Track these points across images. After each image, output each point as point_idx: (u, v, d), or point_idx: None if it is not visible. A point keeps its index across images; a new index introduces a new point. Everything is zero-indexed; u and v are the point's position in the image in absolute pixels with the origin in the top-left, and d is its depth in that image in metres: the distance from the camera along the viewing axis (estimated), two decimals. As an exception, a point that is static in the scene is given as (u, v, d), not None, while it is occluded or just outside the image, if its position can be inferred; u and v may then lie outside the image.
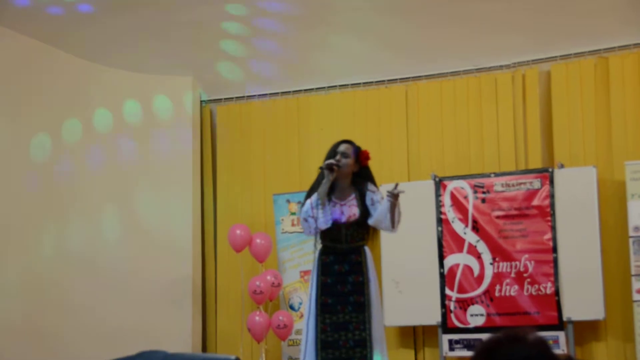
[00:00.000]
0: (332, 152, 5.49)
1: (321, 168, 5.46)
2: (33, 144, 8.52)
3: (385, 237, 7.84)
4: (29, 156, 8.52)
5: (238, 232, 8.19)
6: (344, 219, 5.41)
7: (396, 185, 5.28)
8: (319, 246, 5.51)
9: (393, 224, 5.34)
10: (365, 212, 5.42)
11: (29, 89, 8.53)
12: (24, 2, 7.81)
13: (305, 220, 5.43)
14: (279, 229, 8.34)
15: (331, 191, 5.46)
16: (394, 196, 5.20)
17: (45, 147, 8.59)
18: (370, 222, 5.44)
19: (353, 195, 5.45)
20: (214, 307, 8.78)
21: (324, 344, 5.35)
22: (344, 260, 5.41)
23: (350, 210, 5.41)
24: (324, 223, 5.39)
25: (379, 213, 5.35)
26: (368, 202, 5.43)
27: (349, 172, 5.48)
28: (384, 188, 7.81)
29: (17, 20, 8.12)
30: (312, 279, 5.52)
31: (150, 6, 7.80)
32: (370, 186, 5.47)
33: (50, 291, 8.38)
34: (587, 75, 7.85)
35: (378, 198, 5.43)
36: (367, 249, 5.48)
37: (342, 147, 5.50)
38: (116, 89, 8.84)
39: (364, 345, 5.28)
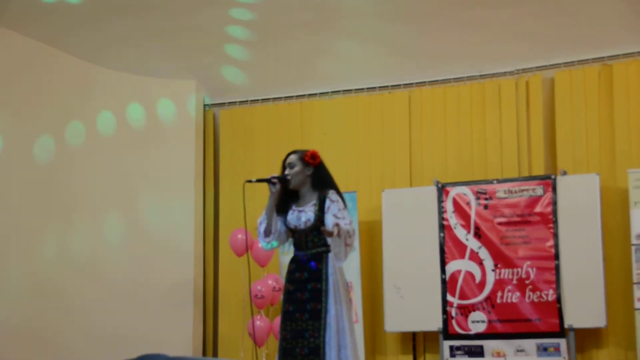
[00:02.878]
0: (282, 167, 5.48)
1: (249, 181, 5.47)
2: (37, 146, 8.53)
3: (387, 242, 7.87)
4: (33, 158, 8.53)
5: (240, 236, 8.18)
6: (301, 225, 5.38)
7: (335, 225, 5.16)
8: None
9: (342, 254, 5.27)
10: (321, 218, 5.31)
11: (31, 90, 8.55)
12: (27, 3, 7.79)
13: (258, 236, 5.52)
14: (281, 234, 8.32)
15: (295, 200, 5.46)
16: (326, 233, 5.16)
17: (49, 150, 8.60)
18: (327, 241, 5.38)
19: (313, 202, 5.40)
20: (215, 311, 8.78)
21: (284, 352, 5.35)
22: (304, 268, 5.38)
23: (306, 215, 5.37)
24: (267, 238, 5.46)
25: (333, 242, 5.27)
26: (325, 209, 5.38)
27: (302, 179, 5.44)
28: (386, 194, 7.94)
29: (19, 21, 8.12)
30: None
31: (154, 9, 7.80)
32: (332, 194, 5.36)
33: (51, 294, 8.39)
34: (591, 82, 7.84)
35: (335, 209, 5.30)
36: (330, 255, 5.33)
37: (288, 159, 5.46)
38: (120, 92, 8.85)
39: (317, 353, 5.24)
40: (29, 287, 8.34)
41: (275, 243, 5.54)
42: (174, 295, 8.49)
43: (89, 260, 8.54)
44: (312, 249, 5.35)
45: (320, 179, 5.44)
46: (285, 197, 5.45)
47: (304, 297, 5.32)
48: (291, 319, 5.36)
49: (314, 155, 5.44)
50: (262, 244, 5.59)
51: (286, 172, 5.41)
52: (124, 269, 8.53)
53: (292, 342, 5.33)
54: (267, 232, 5.47)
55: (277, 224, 5.45)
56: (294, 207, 5.41)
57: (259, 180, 5.43)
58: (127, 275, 8.52)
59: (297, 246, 5.44)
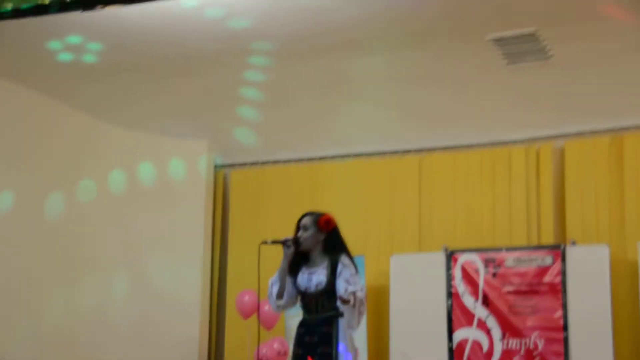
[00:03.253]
0: (296, 227, 5.46)
1: (264, 243, 5.46)
2: (47, 203, 8.53)
3: (394, 308, 7.82)
4: (43, 215, 8.52)
5: (246, 298, 8.15)
6: (312, 288, 5.34)
7: (353, 293, 5.19)
8: None
9: (355, 321, 5.24)
10: (333, 282, 5.24)
11: (41, 145, 8.54)
12: (36, 57, 7.83)
13: (269, 298, 5.46)
14: (288, 296, 8.28)
15: (305, 261, 5.43)
16: (343, 301, 5.14)
17: (59, 206, 8.60)
18: (339, 307, 5.35)
19: (324, 265, 5.37)
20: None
21: None
22: (314, 332, 5.31)
23: (318, 278, 5.33)
24: (279, 302, 5.41)
25: (345, 310, 5.25)
26: (337, 273, 5.33)
27: (315, 243, 5.39)
28: (395, 259, 7.91)
29: (26, 74, 8.14)
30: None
31: (169, 68, 7.88)
32: (344, 258, 5.31)
33: (58, 350, 8.33)
34: (601, 153, 7.85)
35: (347, 274, 5.25)
36: (341, 320, 5.25)
37: (302, 221, 5.41)
38: (131, 150, 8.90)
39: None
40: (37, 343, 8.27)
41: (285, 305, 5.50)
42: (180, 355, 8.43)
43: (97, 316, 8.51)
44: (321, 313, 5.31)
45: (332, 243, 5.41)
46: (296, 258, 5.43)
47: None
48: None
49: (328, 222, 5.40)
50: (272, 306, 5.53)
51: (299, 234, 5.39)
52: (131, 327, 8.49)
53: None
54: (280, 294, 5.44)
55: (289, 285, 5.43)
56: (304, 269, 5.39)
57: (274, 242, 5.41)
58: (134, 333, 8.49)
59: (307, 309, 5.37)
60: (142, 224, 8.78)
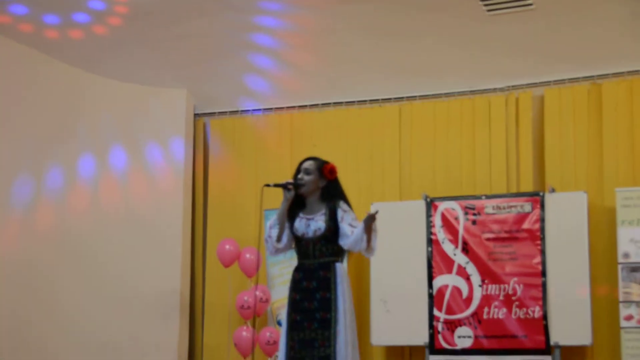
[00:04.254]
0: (297, 170, 5.48)
1: (267, 185, 5.47)
2: (25, 153, 8.49)
3: (375, 255, 7.86)
4: (21, 165, 8.48)
5: (227, 246, 8.18)
6: (310, 234, 5.37)
7: (376, 212, 5.22)
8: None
9: (369, 245, 5.30)
10: (332, 227, 5.31)
11: (23, 96, 8.49)
12: (21, 11, 7.78)
13: (266, 241, 5.47)
14: (269, 245, 8.32)
15: (301, 208, 5.45)
16: (371, 218, 5.16)
17: (38, 156, 8.56)
18: (345, 245, 5.37)
19: (322, 211, 5.40)
20: (201, 320, 8.77)
21: None
22: (312, 277, 5.31)
23: (316, 224, 5.36)
24: (278, 244, 5.42)
25: (354, 236, 5.29)
26: (338, 218, 5.34)
27: (314, 188, 5.41)
28: (375, 207, 7.94)
29: (13, 28, 8.10)
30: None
31: (147, 18, 7.80)
32: (343, 205, 5.36)
33: (37, 300, 8.35)
34: (580, 100, 7.90)
35: (349, 218, 5.33)
36: (338, 265, 5.33)
37: (305, 164, 5.44)
38: (110, 99, 8.84)
39: None
40: (17, 294, 8.28)
41: (283, 248, 5.51)
42: (161, 304, 8.47)
43: (75, 267, 8.52)
44: (319, 258, 5.33)
45: (331, 192, 5.41)
46: (293, 203, 5.42)
47: (313, 307, 5.25)
48: (299, 328, 5.30)
49: (332, 171, 5.42)
50: (269, 248, 5.50)
51: (300, 176, 5.40)
52: (111, 277, 8.51)
53: (301, 352, 5.27)
54: (279, 237, 5.44)
55: (286, 229, 5.45)
56: (301, 215, 5.41)
57: (276, 185, 5.40)
58: (114, 283, 8.50)
59: (304, 255, 5.38)
60: (121, 173, 8.77)
